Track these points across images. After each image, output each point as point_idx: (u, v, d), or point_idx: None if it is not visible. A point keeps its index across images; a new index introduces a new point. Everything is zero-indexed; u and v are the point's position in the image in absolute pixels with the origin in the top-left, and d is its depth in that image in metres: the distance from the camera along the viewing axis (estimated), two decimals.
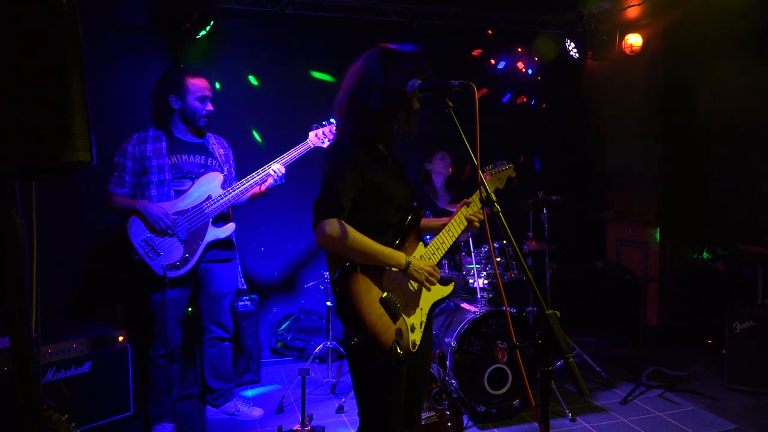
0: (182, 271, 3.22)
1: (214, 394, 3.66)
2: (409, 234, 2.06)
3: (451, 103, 1.83)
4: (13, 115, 1.03)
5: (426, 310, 2.08)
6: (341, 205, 1.87)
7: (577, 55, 5.32)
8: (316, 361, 4.45)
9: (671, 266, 5.19)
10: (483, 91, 5.50)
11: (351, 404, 3.63)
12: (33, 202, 1.19)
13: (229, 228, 3.40)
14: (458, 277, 3.95)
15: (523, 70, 5.71)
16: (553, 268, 4.29)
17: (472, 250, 3.83)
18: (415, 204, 2.14)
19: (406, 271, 1.96)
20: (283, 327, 4.82)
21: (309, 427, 3.12)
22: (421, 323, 2.04)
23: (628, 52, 5.08)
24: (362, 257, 1.90)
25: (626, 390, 3.90)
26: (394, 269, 1.96)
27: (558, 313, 1.49)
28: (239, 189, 3.32)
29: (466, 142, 1.77)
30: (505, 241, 3.90)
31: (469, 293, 4.01)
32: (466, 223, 2.18)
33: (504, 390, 3.51)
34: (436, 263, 2.07)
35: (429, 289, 2.04)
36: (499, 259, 3.91)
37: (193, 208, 3.26)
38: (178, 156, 3.31)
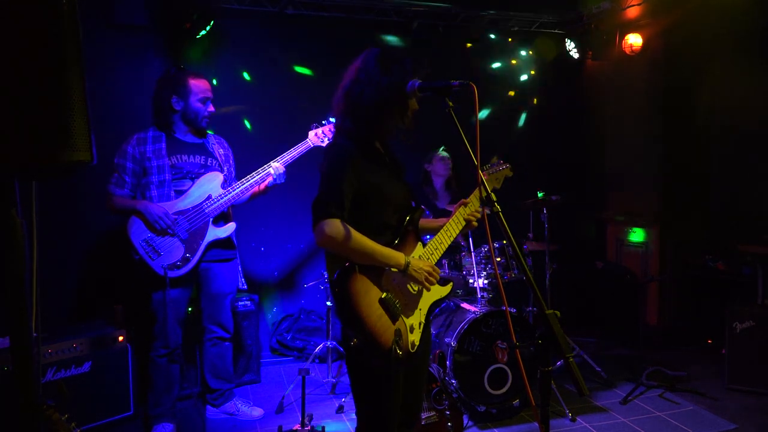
0: (183, 271, 3.22)
1: (214, 393, 3.66)
2: (407, 234, 2.06)
3: (451, 103, 1.83)
4: (13, 115, 1.03)
5: (425, 310, 2.08)
6: (341, 205, 1.87)
7: (577, 55, 5.32)
8: (316, 361, 4.45)
9: (671, 266, 5.20)
10: (481, 84, 5.50)
11: (351, 404, 3.63)
12: (33, 202, 1.19)
13: (230, 227, 3.40)
14: (458, 277, 3.95)
15: (522, 69, 5.71)
16: (553, 268, 4.29)
17: (472, 250, 3.83)
18: (413, 204, 2.14)
19: (405, 272, 1.96)
20: (283, 327, 4.82)
21: (309, 427, 3.12)
22: (420, 324, 2.03)
23: (628, 52, 5.08)
24: (362, 257, 1.89)
25: (626, 390, 3.90)
26: (393, 269, 1.95)
27: (558, 313, 1.49)
28: (239, 188, 3.33)
29: (466, 143, 1.77)
30: (505, 241, 3.91)
31: (469, 293, 4.01)
32: (464, 223, 2.18)
33: (504, 390, 3.51)
34: (434, 263, 2.07)
35: (428, 289, 2.04)
36: (499, 259, 3.91)
37: (193, 207, 3.26)
38: (178, 156, 3.31)
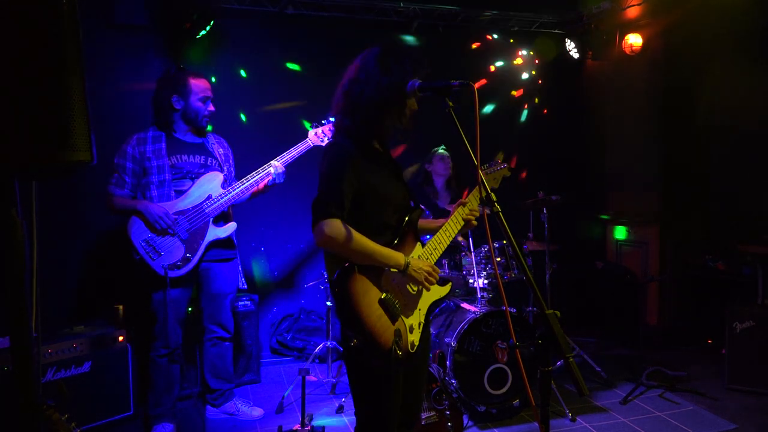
0: (183, 271, 3.22)
1: (214, 393, 3.66)
2: (406, 234, 2.06)
3: (451, 103, 1.83)
4: (13, 115, 1.03)
5: (425, 310, 2.08)
6: (340, 205, 1.87)
7: (577, 55, 5.32)
8: (316, 361, 4.45)
9: (671, 266, 5.20)
10: (482, 82, 5.50)
11: (351, 404, 3.60)
12: (33, 202, 1.19)
13: (230, 227, 3.40)
14: (458, 277, 3.94)
15: (522, 70, 5.71)
16: (553, 268, 4.29)
17: (472, 250, 3.83)
18: (412, 204, 2.14)
19: (405, 272, 1.96)
20: (283, 327, 4.82)
21: (309, 427, 3.12)
22: (420, 324, 2.03)
23: (628, 52, 5.08)
24: (361, 258, 1.89)
25: (626, 390, 3.90)
26: (392, 270, 1.95)
27: (558, 313, 1.49)
28: (239, 188, 3.33)
29: (466, 142, 1.77)
30: (505, 241, 3.91)
31: (469, 293, 4.01)
32: (462, 223, 2.18)
33: (504, 390, 3.51)
34: (434, 263, 2.07)
35: (428, 289, 2.04)
36: (499, 259, 3.91)
37: (193, 207, 3.26)
38: (178, 156, 3.31)
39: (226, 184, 3.40)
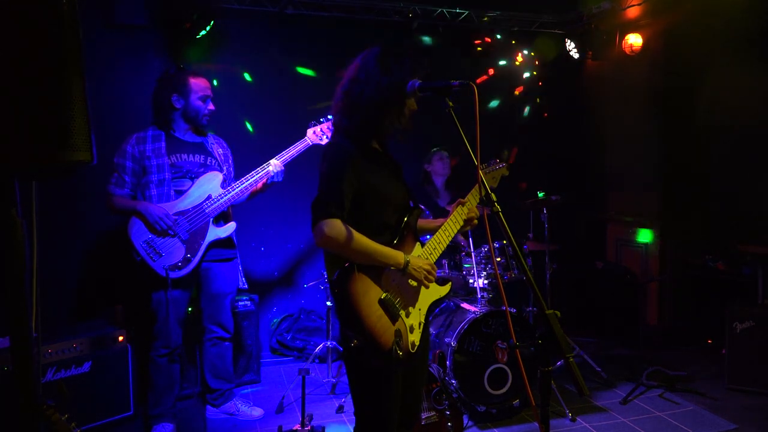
0: (184, 272, 3.22)
1: (214, 393, 3.66)
2: (406, 234, 2.06)
3: (451, 103, 1.83)
4: (13, 115, 1.03)
5: (425, 310, 2.08)
6: (340, 205, 1.87)
7: (577, 55, 5.32)
8: (316, 361, 4.45)
9: (671, 266, 5.19)
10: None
11: (351, 404, 3.62)
12: (33, 202, 1.18)
13: (230, 227, 3.40)
14: (458, 277, 3.95)
15: (523, 70, 5.71)
16: (553, 268, 4.29)
17: (472, 250, 3.83)
18: (412, 204, 2.14)
19: (405, 270, 1.96)
20: (283, 327, 4.82)
21: (309, 427, 3.12)
22: (420, 324, 2.04)
23: (628, 52, 5.08)
24: (361, 257, 1.89)
25: (626, 390, 3.90)
26: (392, 268, 1.95)
27: (558, 313, 1.49)
28: (239, 188, 3.33)
29: (466, 142, 1.77)
30: (505, 241, 3.90)
31: (469, 293, 4.01)
32: (462, 223, 2.18)
33: (504, 390, 3.51)
34: (433, 262, 2.07)
35: (427, 287, 2.04)
36: (499, 259, 3.91)
37: (193, 208, 3.26)
38: (178, 155, 3.31)
39: (225, 183, 3.40)
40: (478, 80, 5.51)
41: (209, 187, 3.32)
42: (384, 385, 1.95)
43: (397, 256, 1.95)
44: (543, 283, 4.27)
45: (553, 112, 5.84)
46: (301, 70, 4.87)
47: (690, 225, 5.12)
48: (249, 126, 4.75)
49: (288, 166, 3.45)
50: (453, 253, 4.02)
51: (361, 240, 1.88)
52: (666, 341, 4.97)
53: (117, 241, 3.38)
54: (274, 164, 3.39)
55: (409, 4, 4.88)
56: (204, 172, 3.35)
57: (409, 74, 1.95)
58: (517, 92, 5.74)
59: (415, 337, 1.99)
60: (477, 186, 1.75)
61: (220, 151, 3.53)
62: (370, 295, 1.89)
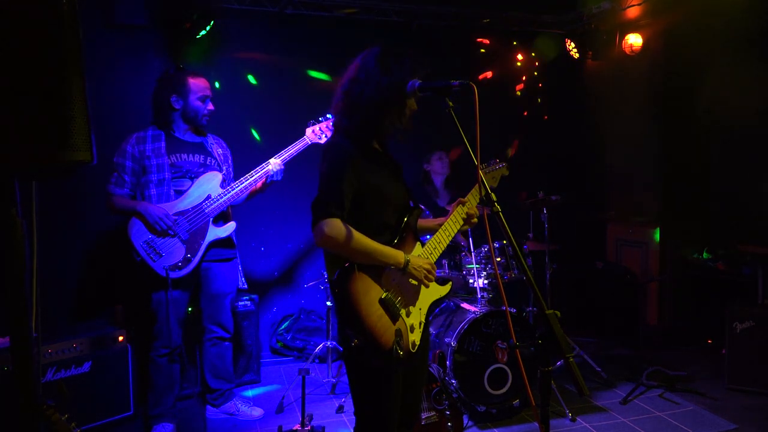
0: (184, 272, 3.22)
1: (214, 393, 3.66)
2: (406, 234, 2.06)
3: (451, 103, 1.83)
4: (13, 115, 1.03)
5: (425, 310, 2.08)
6: (340, 205, 1.87)
7: (577, 55, 5.32)
8: (316, 361, 4.45)
9: (671, 266, 5.19)
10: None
11: (351, 404, 3.61)
12: (33, 202, 1.19)
13: (230, 227, 3.40)
14: (458, 277, 3.94)
15: (522, 69, 5.71)
16: (553, 268, 4.29)
17: (472, 250, 3.83)
18: (411, 204, 2.14)
19: (405, 270, 1.96)
20: (283, 327, 4.82)
21: (309, 427, 3.12)
22: (420, 323, 2.04)
23: (628, 52, 5.08)
24: (361, 256, 1.90)
25: (626, 390, 3.90)
26: (392, 268, 1.96)
27: (558, 313, 1.49)
28: (238, 188, 3.33)
29: (466, 142, 1.77)
30: (505, 241, 3.90)
31: (469, 293, 4.01)
32: (462, 222, 2.18)
33: (504, 390, 3.51)
34: (434, 262, 2.07)
35: (427, 286, 2.04)
36: (499, 259, 3.91)
37: (193, 208, 3.26)
38: (177, 155, 3.31)
39: (225, 183, 3.40)
40: (480, 75, 5.51)
41: (209, 187, 3.32)
42: (384, 385, 1.95)
43: (398, 255, 1.95)
44: (543, 283, 4.27)
45: (553, 112, 5.84)
46: (300, 69, 4.87)
47: (690, 225, 5.12)
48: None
49: (288, 165, 3.45)
50: (453, 253, 4.02)
51: (362, 239, 1.89)
52: (666, 341, 4.97)
53: (117, 241, 3.38)
54: (274, 163, 3.39)
55: (409, 5, 4.88)
56: (203, 172, 3.35)
57: (409, 74, 1.95)
58: (518, 90, 5.74)
59: (415, 337, 1.99)
60: (477, 186, 1.75)
61: (220, 151, 3.53)
62: (371, 294, 1.89)
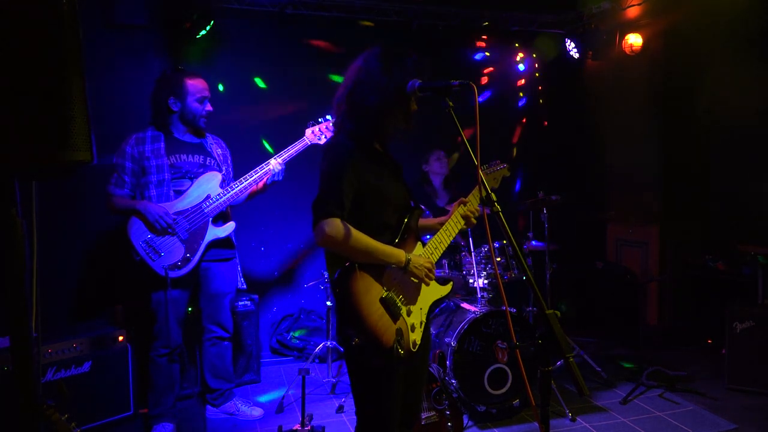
0: (184, 271, 3.22)
1: (214, 393, 3.66)
2: (407, 234, 2.06)
3: (451, 103, 1.83)
4: (13, 115, 1.03)
5: (426, 309, 2.08)
6: (341, 205, 1.87)
7: (577, 55, 5.32)
8: (316, 360, 4.45)
9: (671, 266, 5.19)
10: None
11: (351, 404, 3.63)
12: (33, 202, 1.19)
13: (229, 227, 3.41)
14: (458, 277, 3.94)
15: (522, 69, 5.71)
16: (553, 268, 4.28)
17: (472, 250, 3.83)
18: (412, 204, 2.15)
19: (406, 268, 1.96)
20: (283, 327, 4.82)
21: (309, 427, 3.12)
22: (421, 323, 2.04)
23: (628, 52, 5.08)
24: (362, 256, 1.90)
25: (626, 390, 3.90)
26: (393, 266, 1.96)
27: (558, 313, 1.49)
28: (238, 188, 3.33)
29: (466, 143, 1.77)
30: (505, 241, 3.90)
31: (469, 293, 4.01)
32: (463, 222, 2.18)
33: (504, 390, 3.51)
34: (435, 261, 2.08)
35: (428, 284, 2.04)
36: (499, 259, 3.91)
37: (192, 207, 3.26)
38: (177, 156, 3.31)
39: (224, 183, 3.40)
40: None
41: (208, 187, 3.32)
42: (385, 384, 1.95)
43: (398, 254, 1.95)
44: (543, 283, 4.27)
45: (553, 112, 5.84)
46: (303, 70, 4.87)
47: (690, 225, 5.12)
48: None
49: (287, 165, 3.45)
50: (453, 253, 4.02)
51: (362, 238, 1.89)
52: (666, 341, 4.97)
53: (117, 241, 3.38)
54: (274, 163, 3.39)
55: (409, 5, 4.87)
56: (203, 173, 3.35)
57: (410, 75, 1.95)
58: (519, 89, 5.73)
59: (416, 336, 2.00)
60: (478, 186, 1.76)
61: (219, 151, 3.53)
62: (372, 293, 1.89)
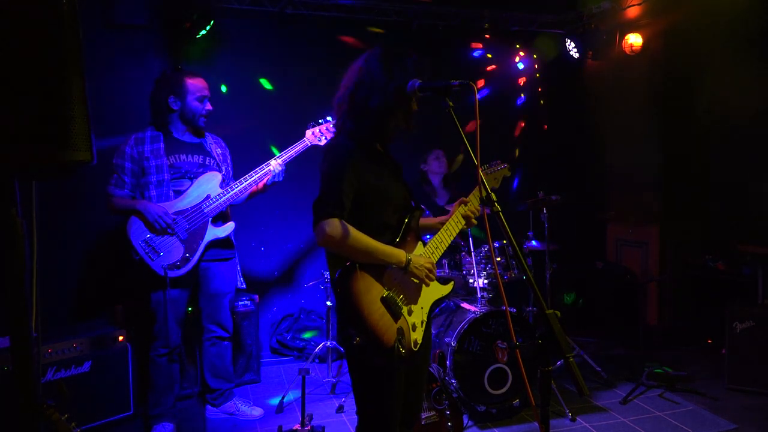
0: (183, 271, 3.22)
1: (214, 393, 3.66)
2: (408, 234, 2.06)
3: (451, 103, 1.83)
4: (13, 115, 1.03)
5: (426, 309, 2.08)
6: (341, 205, 1.87)
7: (577, 55, 5.32)
8: (316, 360, 4.45)
9: (671, 266, 5.19)
10: (480, 83, 5.51)
11: (351, 404, 3.63)
12: (33, 202, 1.19)
13: (229, 227, 3.41)
14: (458, 277, 3.94)
15: (522, 69, 5.72)
16: (553, 268, 4.28)
17: (472, 250, 3.83)
18: (413, 204, 2.15)
19: (406, 268, 1.96)
20: (283, 327, 4.82)
21: (309, 427, 3.12)
22: (422, 322, 2.04)
23: (628, 52, 5.07)
24: (363, 256, 1.90)
25: (626, 390, 3.90)
26: (394, 266, 1.96)
27: (558, 312, 1.49)
28: (238, 188, 3.33)
29: (466, 142, 1.77)
30: (505, 241, 3.90)
31: (469, 293, 4.01)
32: (463, 222, 2.19)
33: (504, 390, 3.51)
34: (436, 261, 2.08)
35: (428, 284, 2.04)
36: (499, 259, 3.91)
37: (192, 207, 3.26)
38: (177, 156, 3.31)
39: (224, 183, 3.40)
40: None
41: (208, 187, 3.32)
42: (386, 384, 1.95)
43: (399, 254, 1.95)
44: (543, 283, 4.26)
45: (553, 112, 5.83)
46: (303, 70, 4.86)
47: (690, 225, 5.12)
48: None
49: (287, 165, 3.45)
50: (453, 252, 4.02)
51: (363, 239, 1.89)
52: (666, 341, 4.97)
53: (117, 241, 3.38)
54: (274, 164, 3.39)
55: (409, 5, 4.87)
56: (203, 173, 3.35)
57: (410, 75, 1.96)
58: (520, 89, 5.73)
59: (417, 335, 2.00)
60: (478, 186, 1.76)
61: (219, 151, 3.53)
62: (372, 293, 1.89)
